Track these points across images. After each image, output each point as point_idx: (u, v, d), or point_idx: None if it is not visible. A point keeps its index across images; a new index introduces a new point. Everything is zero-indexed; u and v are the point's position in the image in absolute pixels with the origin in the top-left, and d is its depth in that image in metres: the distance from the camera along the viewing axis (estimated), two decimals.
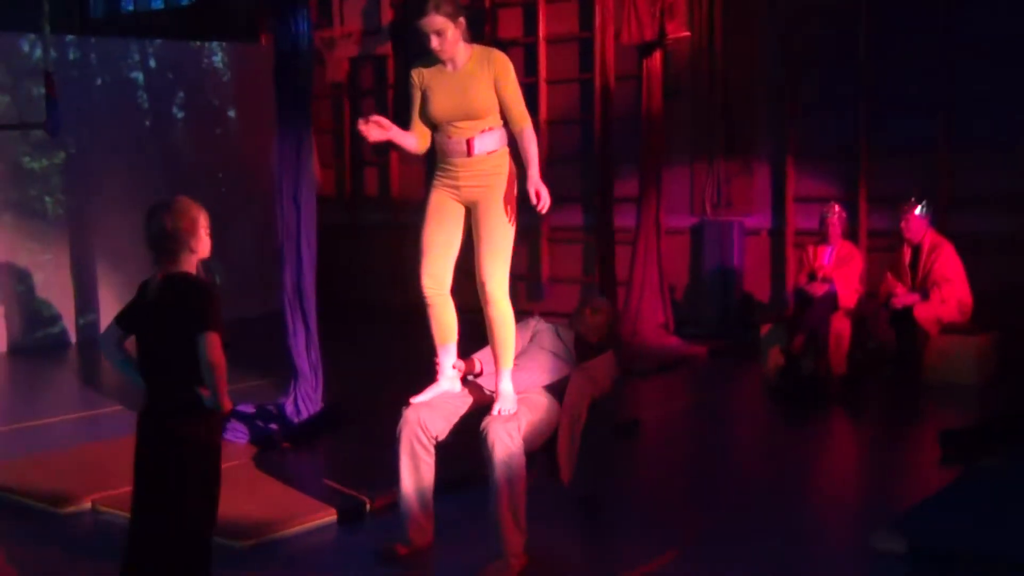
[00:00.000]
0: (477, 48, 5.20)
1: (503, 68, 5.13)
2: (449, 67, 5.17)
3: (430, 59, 5.21)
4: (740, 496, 6.29)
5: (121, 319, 4.19)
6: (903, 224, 8.81)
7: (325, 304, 8.00)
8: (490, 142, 5.19)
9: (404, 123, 5.29)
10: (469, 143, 5.15)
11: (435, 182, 5.29)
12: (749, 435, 7.99)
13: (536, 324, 5.77)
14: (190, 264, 4.10)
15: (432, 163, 5.38)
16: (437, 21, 5.03)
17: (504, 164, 5.26)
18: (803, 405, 8.36)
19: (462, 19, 5.10)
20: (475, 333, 5.38)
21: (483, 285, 5.11)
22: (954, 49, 9.67)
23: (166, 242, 4.05)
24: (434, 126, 5.25)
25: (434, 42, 5.06)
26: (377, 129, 5.09)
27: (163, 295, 4.03)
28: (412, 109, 5.29)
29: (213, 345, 3.91)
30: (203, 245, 4.13)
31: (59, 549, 5.53)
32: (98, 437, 7.48)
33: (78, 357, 10.95)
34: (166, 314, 4.01)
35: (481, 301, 5.13)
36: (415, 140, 5.29)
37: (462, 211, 5.24)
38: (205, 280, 4.13)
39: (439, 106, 5.18)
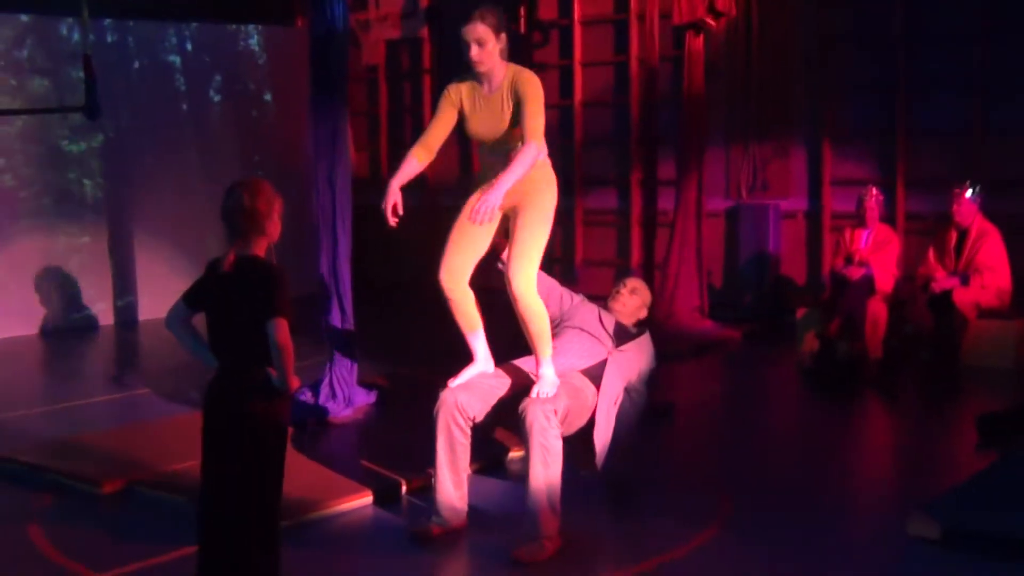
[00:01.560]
0: (512, 68, 5.17)
1: (526, 86, 5.07)
2: (485, 88, 5.18)
3: (466, 76, 5.21)
4: (774, 480, 6.28)
5: (188, 297, 4.28)
6: (954, 207, 8.72)
7: (360, 286, 8.04)
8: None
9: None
10: (510, 157, 5.14)
11: (480, 185, 5.27)
12: (784, 419, 7.97)
13: (580, 302, 5.76)
14: (260, 247, 4.15)
15: (465, 144, 5.38)
16: (479, 30, 5.03)
17: (546, 174, 5.26)
18: (838, 389, 8.33)
19: (503, 35, 5.10)
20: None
21: (510, 282, 5.11)
22: (993, 29, 9.57)
23: (240, 219, 4.10)
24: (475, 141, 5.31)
25: (474, 51, 5.06)
26: (392, 206, 5.12)
27: (233, 277, 4.10)
28: (432, 121, 5.27)
29: (282, 330, 4.00)
30: (275, 229, 4.18)
31: (97, 528, 5.59)
32: (136, 418, 7.57)
33: (115, 339, 11.06)
34: (236, 296, 4.09)
35: (510, 298, 5.12)
36: (418, 162, 5.30)
37: (499, 216, 5.21)
38: (274, 264, 4.18)
39: (478, 129, 5.22)
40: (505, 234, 5.29)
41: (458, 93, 5.23)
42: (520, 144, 5.08)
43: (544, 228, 5.20)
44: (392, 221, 5.11)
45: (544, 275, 5.50)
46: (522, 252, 5.13)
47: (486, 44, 5.05)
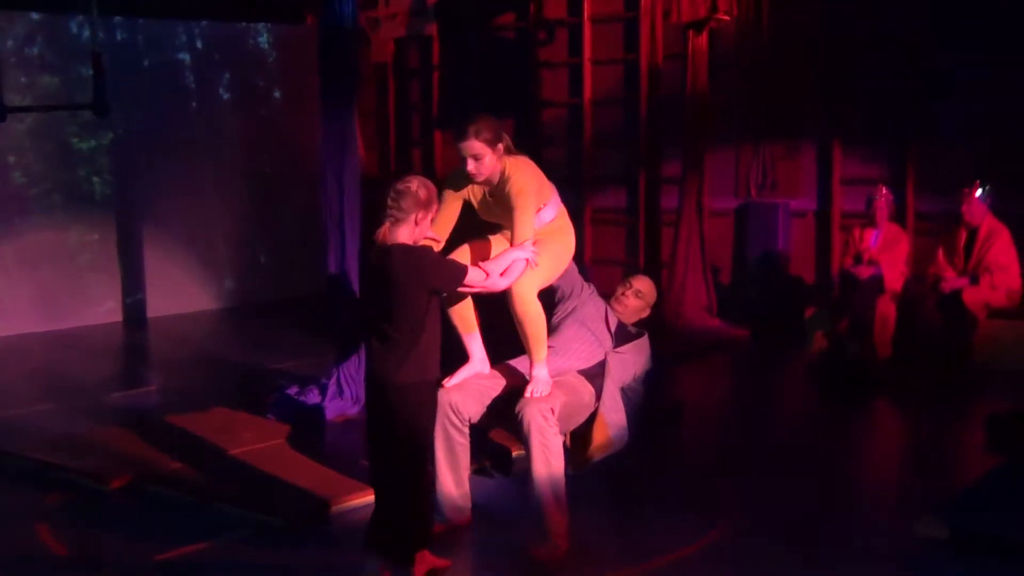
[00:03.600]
0: (508, 168, 5.09)
1: (516, 198, 5.03)
2: (487, 188, 5.19)
3: (464, 177, 5.19)
4: (782, 480, 6.26)
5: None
6: (964, 207, 8.69)
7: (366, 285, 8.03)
8: (547, 215, 5.23)
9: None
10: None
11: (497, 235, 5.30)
12: (792, 418, 7.95)
13: (591, 294, 5.72)
14: (407, 236, 4.58)
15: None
16: (476, 146, 5.00)
17: (563, 224, 5.30)
18: (847, 389, 8.30)
19: (500, 145, 5.06)
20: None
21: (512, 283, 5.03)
22: (1005, 30, 9.53)
23: (403, 200, 4.55)
24: None
25: (470, 165, 5.04)
26: None
27: (383, 262, 4.57)
28: (438, 218, 5.03)
29: (469, 282, 4.76)
30: (423, 229, 4.63)
31: (105, 525, 5.60)
32: (144, 415, 7.57)
33: (124, 336, 11.07)
34: (389, 281, 4.52)
35: (508, 298, 5.04)
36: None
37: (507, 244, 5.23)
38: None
39: (489, 218, 5.29)
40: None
41: (460, 188, 5.22)
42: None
43: (557, 252, 5.21)
44: None
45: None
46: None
47: (483, 158, 5.02)
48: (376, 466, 4.73)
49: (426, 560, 4.79)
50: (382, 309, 4.59)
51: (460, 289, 4.86)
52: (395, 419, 4.58)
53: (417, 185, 4.61)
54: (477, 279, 4.83)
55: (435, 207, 4.69)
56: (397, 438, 4.59)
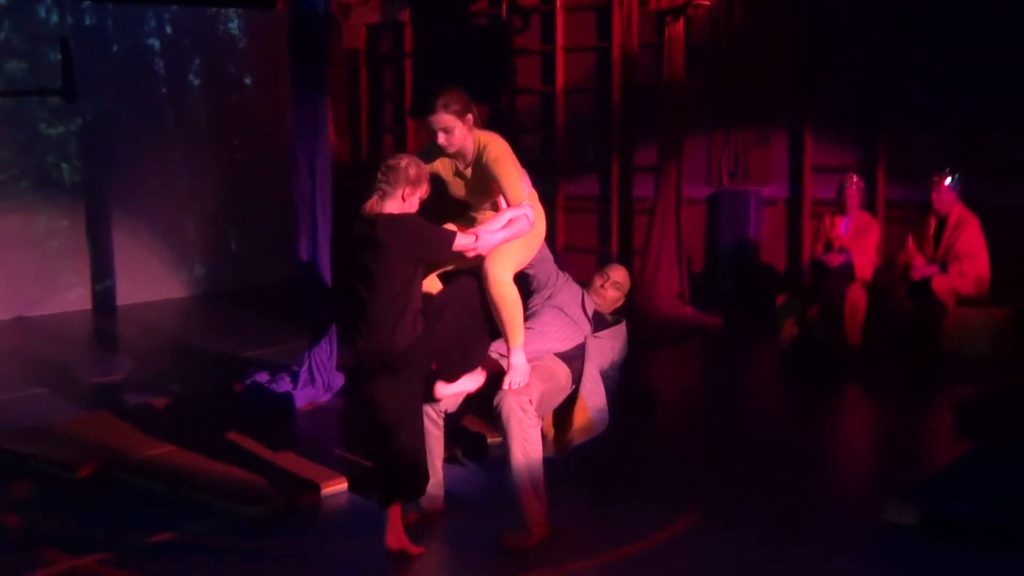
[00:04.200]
0: (481, 140, 5.09)
1: (494, 166, 5.03)
2: (460, 162, 5.16)
3: (435, 151, 5.17)
4: (754, 466, 6.29)
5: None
6: (934, 195, 8.73)
7: (341, 271, 8.01)
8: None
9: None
10: (497, 204, 5.15)
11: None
12: (763, 405, 7.98)
13: (566, 281, 5.66)
14: (395, 211, 4.72)
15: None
16: (445, 119, 5.00)
17: (534, 207, 5.23)
18: (818, 376, 8.35)
19: (470, 116, 5.05)
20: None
21: (487, 266, 5.00)
22: (979, 19, 9.57)
23: (392, 175, 4.72)
24: None
25: (441, 138, 5.04)
26: None
27: (369, 231, 4.70)
28: None
29: (459, 247, 4.83)
30: (410, 206, 4.75)
31: (73, 514, 5.57)
32: (113, 403, 7.53)
33: (93, 323, 11.00)
34: (376, 250, 4.68)
35: (483, 281, 5.02)
36: None
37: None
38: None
39: (461, 196, 5.26)
40: None
41: (429, 163, 5.15)
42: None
43: (529, 235, 5.16)
44: None
45: (544, 243, 5.46)
46: (506, 246, 5.10)
47: (453, 130, 5.02)
48: (377, 433, 4.85)
49: (397, 524, 4.91)
50: (368, 281, 4.70)
51: (458, 250, 4.84)
52: (398, 382, 4.74)
53: (407, 163, 4.78)
54: (466, 244, 4.85)
55: (424, 187, 4.81)
56: (402, 398, 4.77)
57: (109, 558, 4.97)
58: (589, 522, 5.50)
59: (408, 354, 4.73)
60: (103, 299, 11.46)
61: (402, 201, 4.74)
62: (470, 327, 5.05)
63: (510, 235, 4.95)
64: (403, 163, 4.77)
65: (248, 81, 12.75)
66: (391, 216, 4.71)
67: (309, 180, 7.35)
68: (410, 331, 4.71)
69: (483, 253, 4.93)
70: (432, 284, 5.15)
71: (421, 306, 4.80)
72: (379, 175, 4.76)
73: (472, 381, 5.12)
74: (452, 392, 5.12)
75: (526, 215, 5.00)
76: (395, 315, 4.68)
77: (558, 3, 11.78)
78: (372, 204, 4.74)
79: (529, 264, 5.30)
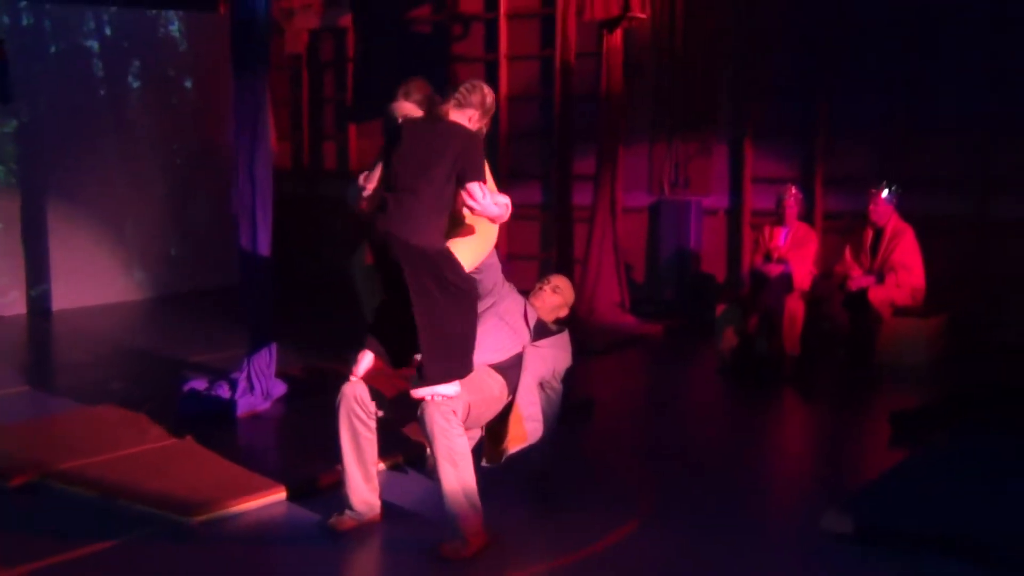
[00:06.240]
0: None
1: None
2: None
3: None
4: (692, 475, 6.33)
5: None
6: (871, 207, 8.87)
7: (282, 277, 7.96)
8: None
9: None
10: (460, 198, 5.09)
11: None
12: (703, 414, 8.03)
13: (510, 290, 5.63)
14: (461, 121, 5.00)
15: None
16: (406, 107, 5.06)
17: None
18: (756, 385, 8.42)
19: (433, 105, 5.08)
20: None
21: None
22: (912, 30, 9.72)
23: (473, 94, 5.07)
24: None
25: None
26: None
27: (434, 126, 4.96)
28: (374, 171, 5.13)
29: (477, 190, 4.91)
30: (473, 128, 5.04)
31: (5, 523, 5.48)
32: (47, 410, 7.41)
33: (28, 328, 10.82)
34: (434, 142, 4.92)
35: None
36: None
37: None
38: None
39: None
40: None
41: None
42: None
43: (484, 232, 5.18)
44: None
45: (493, 250, 5.45)
46: (462, 243, 5.09)
47: None
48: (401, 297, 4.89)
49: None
50: (417, 169, 4.83)
51: (471, 192, 4.87)
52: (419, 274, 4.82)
53: (488, 92, 5.13)
54: (477, 193, 4.89)
55: (487, 124, 5.12)
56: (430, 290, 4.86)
57: (42, 568, 4.89)
58: (528, 531, 5.49)
59: (426, 252, 4.78)
60: (38, 304, 11.27)
61: (467, 121, 5.01)
62: (467, 335, 5.03)
63: (496, 213, 5.01)
64: (485, 90, 5.10)
65: (188, 84, 12.63)
66: (462, 125, 4.97)
67: (249, 185, 7.29)
68: (434, 236, 4.82)
69: (478, 212, 4.95)
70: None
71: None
72: (462, 87, 5.09)
73: (450, 388, 5.01)
74: (426, 394, 5.00)
75: (507, 203, 5.04)
76: (427, 216, 4.80)
77: (501, 11, 11.81)
78: (449, 107, 5.00)
79: (477, 268, 5.28)
